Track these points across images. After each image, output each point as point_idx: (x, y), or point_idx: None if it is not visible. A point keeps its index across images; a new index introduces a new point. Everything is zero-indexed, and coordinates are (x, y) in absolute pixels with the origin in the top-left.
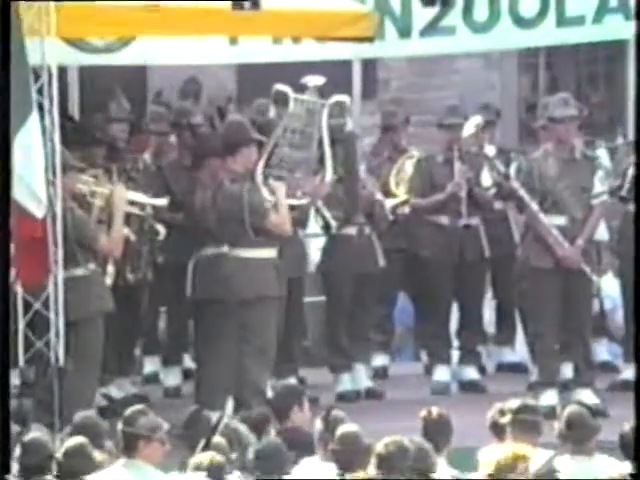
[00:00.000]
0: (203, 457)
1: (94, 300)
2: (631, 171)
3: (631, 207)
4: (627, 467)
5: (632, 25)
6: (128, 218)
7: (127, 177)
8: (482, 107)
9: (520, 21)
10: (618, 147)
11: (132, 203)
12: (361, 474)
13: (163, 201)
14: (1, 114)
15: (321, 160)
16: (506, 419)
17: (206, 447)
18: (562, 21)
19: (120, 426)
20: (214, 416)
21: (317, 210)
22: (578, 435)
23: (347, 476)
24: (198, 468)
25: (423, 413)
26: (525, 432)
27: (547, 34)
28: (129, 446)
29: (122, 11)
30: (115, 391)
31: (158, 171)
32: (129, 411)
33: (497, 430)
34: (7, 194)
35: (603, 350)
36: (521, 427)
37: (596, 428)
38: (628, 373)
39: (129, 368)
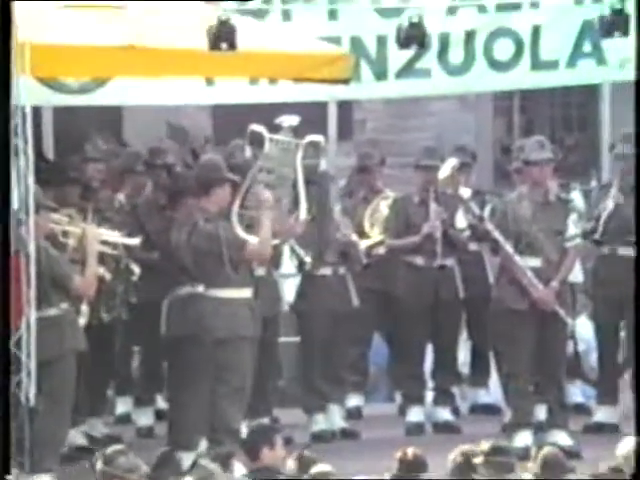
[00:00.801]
0: None
1: (67, 340)
2: (605, 214)
3: (605, 250)
4: None
5: (604, 70)
6: (103, 257)
7: (102, 217)
8: (458, 149)
9: (495, 64)
10: (592, 190)
11: (105, 242)
12: None
13: (135, 240)
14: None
15: (295, 200)
16: (479, 460)
17: None
18: (536, 65)
19: (99, 465)
20: (186, 456)
21: (292, 249)
22: (553, 476)
23: None
24: None
25: (399, 454)
26: (498, 473)
27: (522, 77)
28: None
29: (98, 51)
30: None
31: (132, 210)
32: (109, 450)
33: (460, 471)
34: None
35: (577, 392)
36: (494, 469)
37: (570, 469)
38: (601, 415)
39: (101, 408)
